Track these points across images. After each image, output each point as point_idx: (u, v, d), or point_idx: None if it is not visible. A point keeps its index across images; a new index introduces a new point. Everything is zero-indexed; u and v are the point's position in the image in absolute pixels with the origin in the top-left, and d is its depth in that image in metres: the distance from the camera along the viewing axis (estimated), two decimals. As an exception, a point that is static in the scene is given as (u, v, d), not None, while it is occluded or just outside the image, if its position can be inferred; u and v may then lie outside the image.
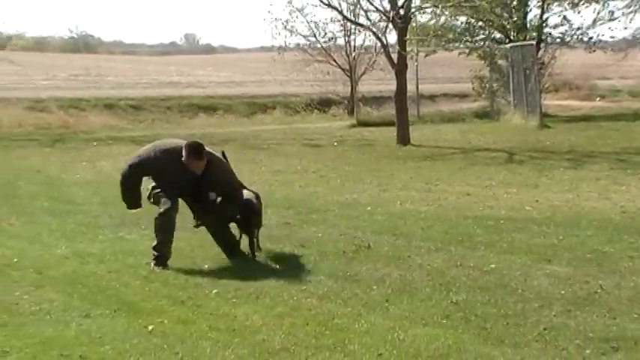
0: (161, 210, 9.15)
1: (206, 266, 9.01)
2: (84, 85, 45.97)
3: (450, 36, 34.95)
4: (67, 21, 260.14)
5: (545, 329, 6.74)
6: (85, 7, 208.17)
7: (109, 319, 7.06)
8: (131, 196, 9.34)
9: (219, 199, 9.22)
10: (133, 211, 9.55)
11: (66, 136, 28.57)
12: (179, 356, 6.14)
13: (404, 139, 25.30)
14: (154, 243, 9.12)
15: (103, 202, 13.49)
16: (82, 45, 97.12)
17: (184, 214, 9.53)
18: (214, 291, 7.93)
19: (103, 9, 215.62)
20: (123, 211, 10.81)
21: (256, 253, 9.41)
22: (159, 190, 9.22)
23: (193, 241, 9.71)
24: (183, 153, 9.06)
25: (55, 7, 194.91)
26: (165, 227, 9.11)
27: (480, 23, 34.56)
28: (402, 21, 25.55)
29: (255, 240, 9.44)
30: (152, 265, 8.97)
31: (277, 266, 8.95)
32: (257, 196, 9.89)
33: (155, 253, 9.07)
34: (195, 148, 9.12)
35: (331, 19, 38.76)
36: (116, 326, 6.85)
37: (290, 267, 8.90)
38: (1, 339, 6.49)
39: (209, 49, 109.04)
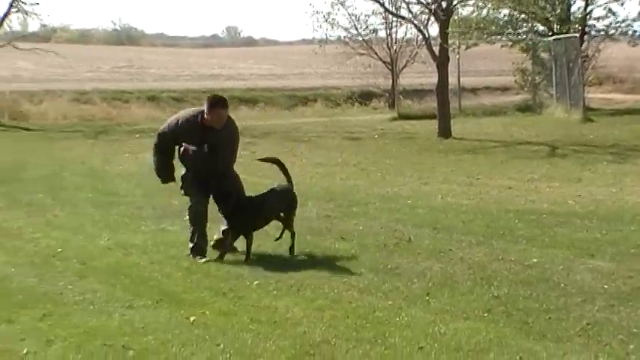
0: (191, 202, 9.29)
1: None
2: (127, 77, 46.35)
3: (493, 28, 34.74)
4: (111, 13, 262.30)
5: (587, 324, 6.68)
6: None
7: (152, 310, 7.11)
8: (164, 167, 9.41)
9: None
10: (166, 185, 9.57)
11: (109, 128, 28.83)
12: (220, 347, 6.17)
13: (445, 132, 25.21)
14: (189, 234, 9.25)
15: (146, 194, 13.59)
16: (125, 37, 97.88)
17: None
18: (255, 283, 7.96)
19: (146, 1, 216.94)
20: (165, 202, 10.94)
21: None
22: (188, 180, 9.27)
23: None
24: (206, 106, 9.17)
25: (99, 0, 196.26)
26: (196, 219, 9.24)
27: (523, 16, 34.30)
28: (444, 13, 25.46)
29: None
30: (190, 255, 9.07)
31: (318, 259, 8.95)
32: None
33: (190, 244, 9.20)
34: (219, 99, 9.30)
35: (373, 11, 38.78)
36: (158, 317, 6.90)
37: (330, 260, 8.90)
38: (46, 328, 6.58)
39: (250, 42, 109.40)
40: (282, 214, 9.50)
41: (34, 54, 34.48)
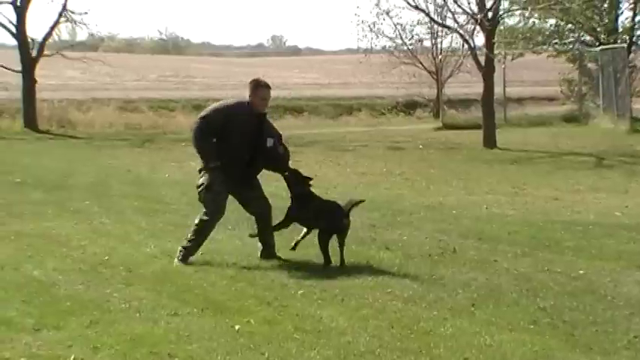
0: (206, 216, 9.31)
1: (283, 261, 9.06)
2: (173, 86, 46.72)
3: (539, 38, 34.56)
4: (157, 23, 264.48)
5: (635, 337, 6.62)
6: (174, 9, 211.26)
7: (197, 318, 7.15)
8: (208, 148, 9.35)
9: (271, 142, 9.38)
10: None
11: (155, 137, 29.06)
12: (265, 356, 6.19)
13: (490, 142, 25.12)
14: (186, 241, 9.31)
15: (191, 202, 13.61)
16: (172, 46, 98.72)
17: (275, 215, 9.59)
18: (300, 292, 7.98)
19: (192, 11, 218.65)
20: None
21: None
22: (208, 183, 9.28)
23: (279, 241, 9.77)
24: (250, 88, 9.35)
25: (146, 9, 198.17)
26: (203, 233, 9.33)
27: (570, 26, 34.11)
28: (490, 23, 25.37)
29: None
30: (176, 260, 9.19)
31: (362, 268, 8.94)
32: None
33: (183, 249, 9.26)
34: (261, 81, 9.48)
35: (418, 21, 38.72)
36: (204, 325, 6.93)
37: (375, 269, 8.89)
38: (92, 336, 6.63)
39: (295, 51, 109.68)
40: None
41: (82, 63, 34.85)
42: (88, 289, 8.07)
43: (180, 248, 9.31)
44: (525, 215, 12.87)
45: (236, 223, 10.22)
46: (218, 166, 9.24)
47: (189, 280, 8.47)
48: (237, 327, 6.84)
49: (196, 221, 9.39)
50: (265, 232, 9.56)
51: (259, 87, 9.41)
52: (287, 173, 9.56)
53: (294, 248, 9.49)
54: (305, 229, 9.52)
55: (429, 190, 16.06)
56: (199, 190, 9.38)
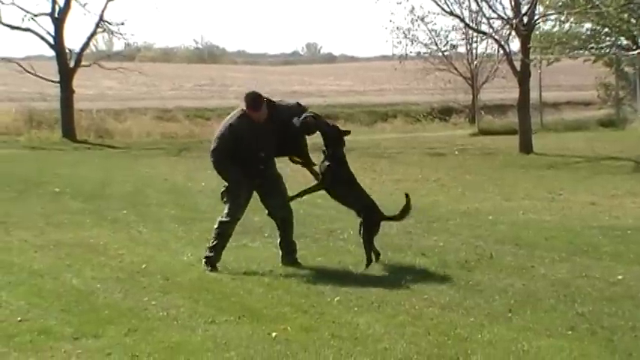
0: (225, 217, 9.45)
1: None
2: (208, 95, 46.94)
3: (575, 43, 34.31)
4: (193, 32, 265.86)
5: (675, 343, 6.56)
6: (210, 18, 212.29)
7: (234, 326, 7.18)
8: (230, 172, 9.49)
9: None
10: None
11: (191, 145, 29.16)
12: (302, 363, 6.21)
13: (526, 147, 24.99)
14: (208, 249, 9.45)
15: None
16: (207, 55, 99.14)
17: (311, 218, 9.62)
18: (336, 299, 7.99)
19: (227, 20, 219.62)
20: (246, 219, 11.00)
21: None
22: (232, 186, 9.43)
23: (315, 249, 9.81)
24: (246, 103, 9.38)
25: (182, 18, 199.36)
26: (224, 235, 9.45)
27: (606, 30, 33.83)
28: (525, 28, 25.25)
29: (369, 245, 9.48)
30: (204, 265, 9.31)
31: (398, 275, 8.93)
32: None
33: (209, 254, 9.38)
34: (253, 99, 9.44)
35: (453, 27, 38.60)
36: (241, 332, 6.96)
37: (411, 276, 8.88)
38: (131, 344, 6.69)
39: (330, 59, 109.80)
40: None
41: (118, 73, 35.13)
42: (126, 298, 8.14)
43: (204, 258, 9.40)
44: (562, 220, 12.79)
45: (272, 231, 10.24)
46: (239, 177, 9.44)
47: (226, 287, 8.52)
48: (273, 334, 6.86)
49: (216, 225, 9.53)
50: (287, 238, 9.62)
51: (251, 110, 9.39)
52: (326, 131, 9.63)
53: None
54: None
55: (464, 196, 16.00)
56: (222, 191, 9.58)
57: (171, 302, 7.92)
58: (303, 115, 9.51)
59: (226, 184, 9.53)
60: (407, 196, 9.89)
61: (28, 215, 13.50)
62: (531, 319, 7.25)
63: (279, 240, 9.70)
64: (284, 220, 9.67)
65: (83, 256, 10.19)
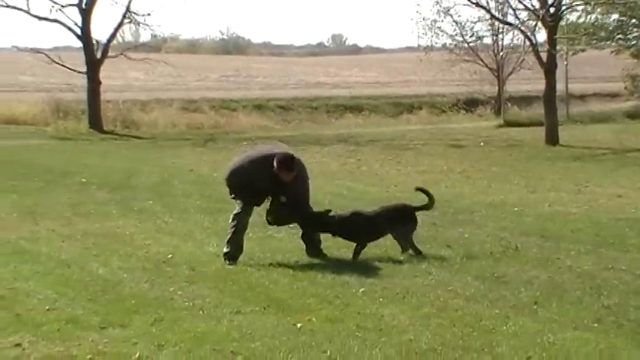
0: (239, 210, 9.51)
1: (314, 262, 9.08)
2: (234, 86, 47.00)
3: (602, 34, 34.08)
4: (219, 23, 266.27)
5: (702, 336, 6.53)
6: (235, 9, 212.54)
7: (259, 316, 7.21)
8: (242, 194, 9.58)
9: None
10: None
11: (217, 136, 29.27)
12: (327, 354, 6.22)
13: (553, 139, 24.89)
14: (227, 238, 9.47)
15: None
16: (233, 46, 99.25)
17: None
18: (361, 290, 8.00)
19: (252, 11, 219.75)
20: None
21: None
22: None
23: (340, 241, 9.81)
24: (277, 163, 9.32)
25: (208, 10, 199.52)
26: (239, 229, 9.46)
27: (634, 21, 33.56)
28: (551, 19, 25.11)
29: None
30: (223, 260, 9.31)
31: (424, 266, 8.94)
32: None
33: (226, 249, 9.39)
34: (287, 161, 9.38)
35: (479, 18, 38.47)
36: (266, 323, 6.99)
37: (436, 267, 8.88)
38: (157, 333, 6.73)
39: (355, 50, 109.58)
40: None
41: (145, 64, 35.23)
42: (152, 288, 8.19)
43: (223, 254, 9.41)
44: (589, 213, 12.74)
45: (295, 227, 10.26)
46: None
47: (252, 278, 8.55)
48: (299, 325, 6.89)
49: (230, 219, 9.56)
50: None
51: (283, 170, 9.34)
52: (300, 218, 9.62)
53: None
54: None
55: (490, 188, 15.97)
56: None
57: (197, 292, 7.96)
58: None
59: None
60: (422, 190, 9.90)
61: (55, 205, 13.59)
62: (557, 312, 7.23)
63: (301, 233, 9.72)
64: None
65: (110, 246, 10.25)
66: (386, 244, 9.59)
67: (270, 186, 9.39)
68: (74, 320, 7.08)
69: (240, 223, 9.47)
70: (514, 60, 38.60)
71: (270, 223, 9.82)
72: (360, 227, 9.52)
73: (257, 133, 29.80)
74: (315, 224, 9.53)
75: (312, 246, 9.60)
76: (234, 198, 9.66)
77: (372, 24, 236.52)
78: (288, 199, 9.49)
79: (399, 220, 9.62)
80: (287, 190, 9.44)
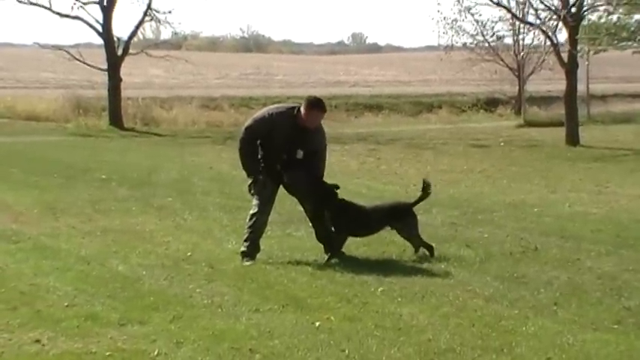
0: (255, 209, 9.44)
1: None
2: (254, 84, 47.07)
3: (624, 34, 33.85)
4: (239, 21, 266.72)
5: None
6: (256, 7, 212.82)
7: (278, 314, 7.21)
8: (251, 162, 9.49)
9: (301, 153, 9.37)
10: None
11: (237, 134, 29.20)
12: (345, 353, 6.22)
13: (573, 139, 24.80)
14: (244, 244, 9.39)
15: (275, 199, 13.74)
16: (253, 44, 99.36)
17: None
18: (380, 289, 7.99)
19: (273, 9, 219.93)
20: (291, 208, 11.06)
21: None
22: (257, 180, 9.41)
23: (359, 239, 9.80)
24: (304, 105, 9.29)
25: (228, 7, 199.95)
26: (256, 228, 9.41)
27: (656, 21, 33.32)
28: (573, 19, 25.02)
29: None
30: (241, 258, 9.25)
31: (443, 266, 8.92)
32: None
33: (243, 248, 9.34)
34: (319, 100, 9.45)
35: (499, 17, 38.32)
36: (284, 321, 6.99)
37: (455, 267, 8.85)
38: (176, 330, 6.75)
39: (375, 49, 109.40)
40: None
41: (165, 61, 35.33)
42: (171, 285, 8.21)
43: (240, 252, 9.37)
44: (609, 213, 12.68)
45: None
46: (258, 178, 9.41)
47: (270, 276, 8.55)
48: (317, 324, 6.89)
49: (247, 218, 9.52)
50: (321, 230, 9.60)
51: (316, 108, 9.37)
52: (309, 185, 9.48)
53: None
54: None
55: (510, 188, 15.92)
56: (249, 184, 9.56)
57: (215, 290, 7.97)
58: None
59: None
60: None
61: (75, 202, 13.64)
62: (577, 313, 7.20)
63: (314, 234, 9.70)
64: (312, 219, 9.69)
65: (129, 242, 10.28)
66: (405, 244, 9.56)
67: (291, 137, 9.27)
68: (93, 317, 7.10)
69: (258, 222, 9.43)
70: (535, 60, 38.46)
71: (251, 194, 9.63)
72: (349, 218, 9.43)
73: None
74: (322, 192, 9.42)
75: (330, 244, 9.54)
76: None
77: (392, 22, 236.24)
78: (306, 153, 9.36)
79: (392, 218, 9.54)
80: (308, 142, 9.35)
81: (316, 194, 9.41)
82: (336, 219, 9.37)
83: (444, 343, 6.39)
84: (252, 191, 9.57)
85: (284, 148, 9.38)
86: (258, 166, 9.44)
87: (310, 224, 9.78)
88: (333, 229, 9.42)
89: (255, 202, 9.52)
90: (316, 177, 9.46)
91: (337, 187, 9.54)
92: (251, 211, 9.53)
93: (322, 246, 9.55)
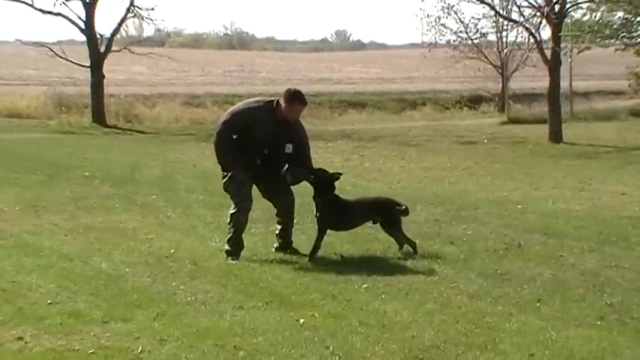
0: (234, 209, 9.36)
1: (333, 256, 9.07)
2: (237, 82, 47.01)
3: (606, 32, 34.00)
4: (223, 18, 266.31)
5: None
6: (239, 4, 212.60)
7: (262, 311, 7.19)
8: (228, 156, 9.38)
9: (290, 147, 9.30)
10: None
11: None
12: (330, 350, 6.21)
13: (556, 136, 24.89)
14: (227, 244, 9.33)
15: (256, 197, 13.68)
16: (237, 41, 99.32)
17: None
18: (364, 286, 7.98)
19: (257, 6, 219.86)
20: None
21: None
22: (231, 175, 9.31)
23: (343, 235, 9.80)
24: (285, 99, 9.24)
25: (212, 5, 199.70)
26: (239, 225, 9.35)
27: (639, 19, 33.47)
28: (556, 17, 25.10)
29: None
30: (225, 257, 9.19)
31: (427, 263, 8.92)
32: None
33: (227, 247, 9.28)
34: (298, 92, 9.37)
35: (483, 15, 38.48)
36: (269, 318, 6.97)
37: (439, 264, 8.86)
38: (159, 328, 6.72)
39: (359, 46, 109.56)
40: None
41: (148, 58, 35.23)
42: (154, 282, 8.17)
43: (224, 251, 9.33)
44: (592, 210, 12.72)
45: (300, 218, 10.25)
46: (236, 173, 9.31)
47: (254, 273, 8.53)
48: (301, 321, 6.88)
49: (228, 219, 9.46)
50: (287, 228, 9.59)
51: (297, 101, 9.33)
52: (312, 177, 9.41)
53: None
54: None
55: (493, 185, 15.96)
56: (224, 180, 9.45)
57: (199, 287, 7.95)
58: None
59: (226, 173, 9.40)
60: None
61: (57, 199, 13.58)
62: (560, 309, 7.22)
63: (279, 229, 9.64)
64: (286, 210, 9.62)
65: (112, 240, 10.24)
66: (389, 241, 9.57)
67: (272, 131, 9.19)
68: (76, 314, 7.07)
69: (239, 221, 9.37)
70: (518, 57, 38.59)
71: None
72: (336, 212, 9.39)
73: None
74: (325, 181, 9.35)
75: (285, 245, 9.53)
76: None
77: (375, 20, 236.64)
78: (295, 147, 9.31)
79: (375, 213, 9.52)
80: (292, 135, 9.31)
81: (319, 183, 9.36)
82: (324, 211, 9.33)
83: (428, 340, 6.39)
84: (228, 189, 9.47)
85: (266, 143, 9.33)
86: (236, 161, 9.34)
87: (278, 220, 9.68)
88: (317, 219, 9.38)
89: (233, 200, 9.44)
90: (317, 168, 9.45)
91: (340, 174, 9.54)
92: (230, 211, 9.45)
93: (312, 243, 9.50)
